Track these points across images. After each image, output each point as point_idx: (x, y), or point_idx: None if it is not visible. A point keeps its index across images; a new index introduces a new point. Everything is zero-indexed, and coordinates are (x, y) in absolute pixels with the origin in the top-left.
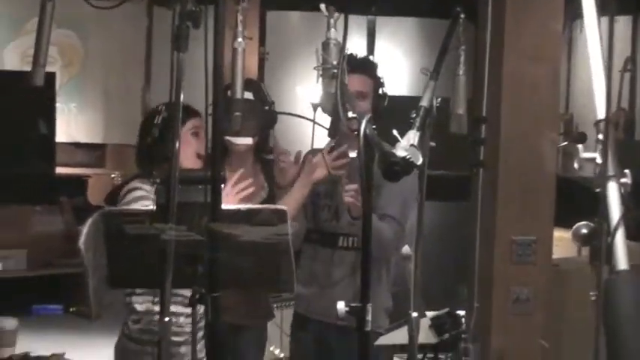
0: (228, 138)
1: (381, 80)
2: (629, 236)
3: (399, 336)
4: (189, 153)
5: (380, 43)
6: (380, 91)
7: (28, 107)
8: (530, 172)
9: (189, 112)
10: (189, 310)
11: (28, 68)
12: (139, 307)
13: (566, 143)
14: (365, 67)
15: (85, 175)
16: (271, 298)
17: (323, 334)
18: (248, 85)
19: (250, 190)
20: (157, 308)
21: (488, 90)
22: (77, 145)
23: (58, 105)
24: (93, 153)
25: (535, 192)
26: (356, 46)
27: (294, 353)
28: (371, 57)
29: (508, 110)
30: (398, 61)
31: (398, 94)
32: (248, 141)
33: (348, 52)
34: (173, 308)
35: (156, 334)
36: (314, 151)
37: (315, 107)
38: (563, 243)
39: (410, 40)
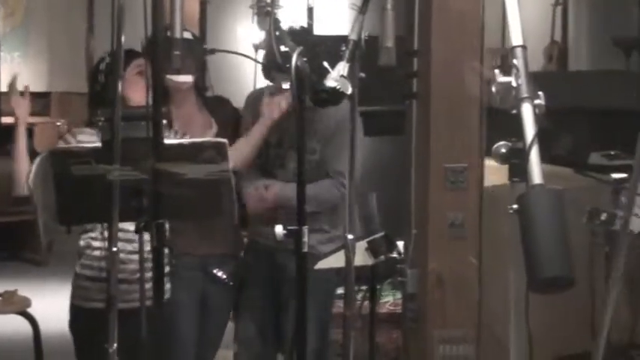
0: (169, 76)
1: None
2: (558, 162)
3: (337, 259)
4: (139, 92)
5: None
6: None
7: None
8: (459, 102)
9: (132, 55)
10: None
11: None
12: (88, 251)
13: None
14: None
15: (30, 124)
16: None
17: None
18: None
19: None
20: (103, 244)
21: (419, 24)
22: (21, 94)
23: (1, 54)
24: (38, 101)
25: (464, 121)
26: None
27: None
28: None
29: (437, 42)
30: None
31: (338, 34)
32: (188, 79)
33: None
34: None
35: (104, 270)
36: (256, 92)
37: (256, 48)
38: (495, 171)
39: None
